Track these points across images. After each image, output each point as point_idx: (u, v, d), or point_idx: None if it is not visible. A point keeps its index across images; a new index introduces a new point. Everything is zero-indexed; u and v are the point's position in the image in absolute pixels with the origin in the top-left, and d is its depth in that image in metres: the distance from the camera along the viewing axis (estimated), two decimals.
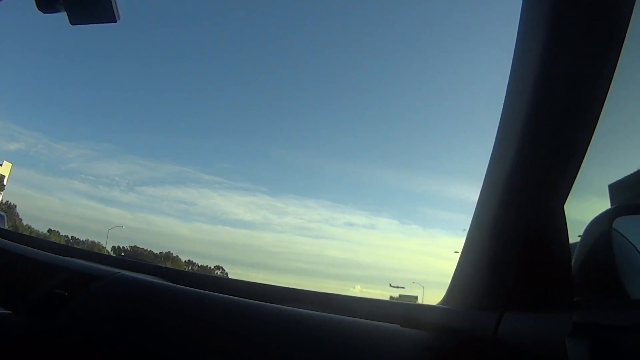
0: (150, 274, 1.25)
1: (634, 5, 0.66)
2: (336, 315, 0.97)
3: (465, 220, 0.94)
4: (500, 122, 0.82)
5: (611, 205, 0.82)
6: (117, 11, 1.22)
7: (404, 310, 1.02)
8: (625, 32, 0.66)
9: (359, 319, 0.95)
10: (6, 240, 1.30)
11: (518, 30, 0.78)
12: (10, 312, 1.07)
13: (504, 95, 0.81)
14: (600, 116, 0.69)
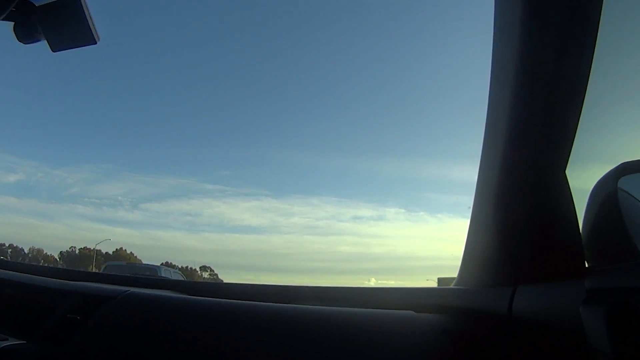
0: (160, 288, 1.25)
1: None
2: (349, 309, 0.96)
3: (469, 201, 0.92)
4: (489, 98, 0.80)
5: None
6: (96, 33, 1.23)
7: (417, 296, 1.01)
8: None
9: (372, 310, 0.94)
10: (13, 272, 1.31)
11: (494, 12, 0.76)
12: (24, 342, 1.07)
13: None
14: (590, 79, 0.68)
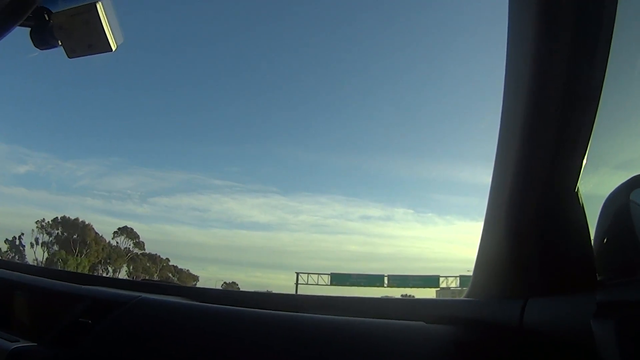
0: (171, 295, 1.26)
1: None
2: (360, 318, 0.96)
3: (479, 203, 0.92)
4: (502, 112, 0.80)
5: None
6: (114, 40, 1.24)
7: (429, 307, 1.01)
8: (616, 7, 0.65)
9: (384, 320, 0.94)
10: (26, 275, 1.32)
11: (509, 16, 0.77)
12: (35, 343, 1.08)
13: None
14: (602, 95, 0.68)
